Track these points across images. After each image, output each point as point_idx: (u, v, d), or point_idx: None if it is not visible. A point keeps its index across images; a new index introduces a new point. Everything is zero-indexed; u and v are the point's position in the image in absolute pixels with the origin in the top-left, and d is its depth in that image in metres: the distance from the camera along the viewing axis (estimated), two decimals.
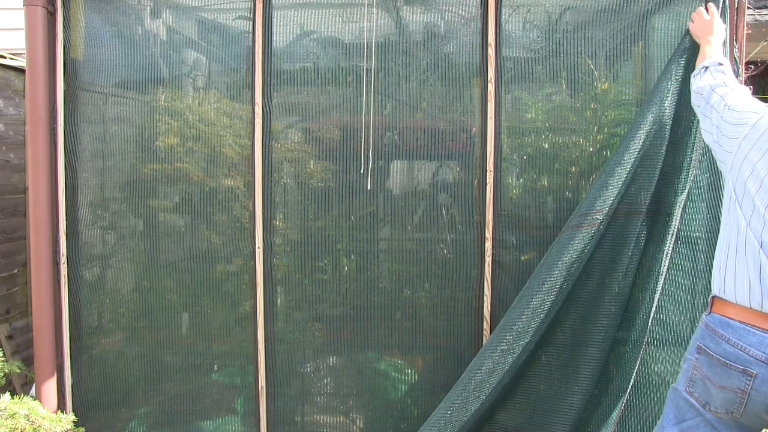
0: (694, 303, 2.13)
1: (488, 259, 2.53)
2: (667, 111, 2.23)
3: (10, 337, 3.32)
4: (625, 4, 2.46)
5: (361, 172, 2.54)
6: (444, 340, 2.63)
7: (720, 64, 1.96)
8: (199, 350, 2.73)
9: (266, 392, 2.66)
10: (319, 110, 2.65)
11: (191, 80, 2.75)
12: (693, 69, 2.11)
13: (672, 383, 1.77)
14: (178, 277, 2.71)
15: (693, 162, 2.27)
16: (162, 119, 2.66)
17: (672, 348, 2.19)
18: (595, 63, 2.50)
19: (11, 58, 3.63)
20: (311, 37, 2.63)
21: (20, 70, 3.53)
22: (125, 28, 2.69)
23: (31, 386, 2.84)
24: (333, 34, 2.62)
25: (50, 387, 2.61)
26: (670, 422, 1.70)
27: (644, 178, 2.29)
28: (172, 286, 2.72)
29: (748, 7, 2.62)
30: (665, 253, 2.28)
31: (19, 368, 2.82)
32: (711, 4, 2.22)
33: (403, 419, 2.67)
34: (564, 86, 2.53)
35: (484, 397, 2.24)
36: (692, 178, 2.26)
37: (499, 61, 2.50)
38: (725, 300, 1.60)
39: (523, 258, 2.54)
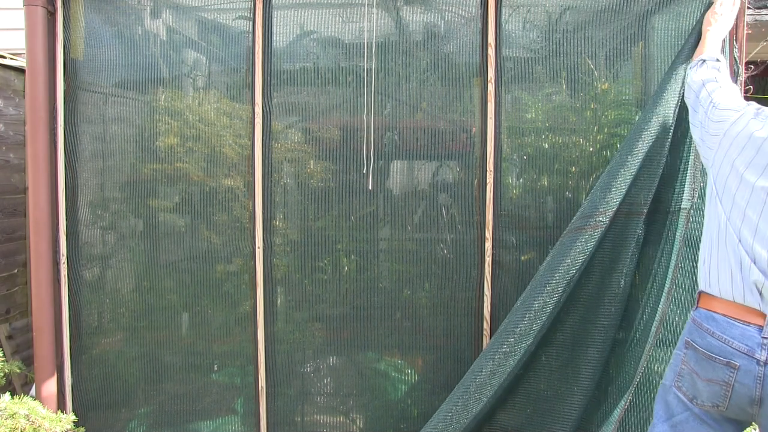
0: (694, 303, 2.12)
1: (488, 259, 2.53)
2: (671, 112, 2.23)
3: (10, 337, 3.32)
4: (625, 4, 2.46)
5: (363, 172, 2.54)
6: (444, 340, 2.63)
7: (717, 60, 1.96)
8: (199, 350, 2.73)
9: (266, 392, 2.66)
10: (319, 110, 2.65)
11: (191, 80, 2.75)
12: None
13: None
14: (178, 277, 2.71)
15: (692, 163, 2.27)
16: (162, 119, 2.66)
17: (672, 348, 2.19)
18: (595, 63, 2.50)
19: (11, 58, 3.63)
20: (311, 37, 2.63)
21: (20, 70, 3.53)
22: (125, 28, 2.69)
23: (31, 386, 2.84)
24: (333, 34, 2.62)
25: (50, 387, 2.61)
26: (661, 419, 1.73)
27: (645, 179, 2.28)
28: (172, 286, 2.72)
29: (748, 7, 2.62)
30: (666, 254, 2.28)
31: (19, 368, 2.82)
32: None
33: (403, 419, 2.67)
34: (564, 86, 2.53)
35: (485, 399, 2.23)
36: (691, 179, 2.26)
37: (499, 61, 2.50)
38: (710, 294, 1.64)
39: (523, 258, 2.54)
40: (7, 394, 2.25)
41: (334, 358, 2.74)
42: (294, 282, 2.66)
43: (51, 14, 2.57)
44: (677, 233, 2.27)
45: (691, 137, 2.28)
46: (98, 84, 2.69)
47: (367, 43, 2.51)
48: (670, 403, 1.71)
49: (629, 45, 2.49)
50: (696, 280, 2.13)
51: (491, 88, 2.49)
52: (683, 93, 2.19)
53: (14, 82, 3.57)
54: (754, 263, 1.53)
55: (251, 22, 2.57)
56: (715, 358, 1.57)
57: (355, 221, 2.62)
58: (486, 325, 2.54)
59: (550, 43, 2.52)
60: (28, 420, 2.18)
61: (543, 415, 2.45)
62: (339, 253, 2.64)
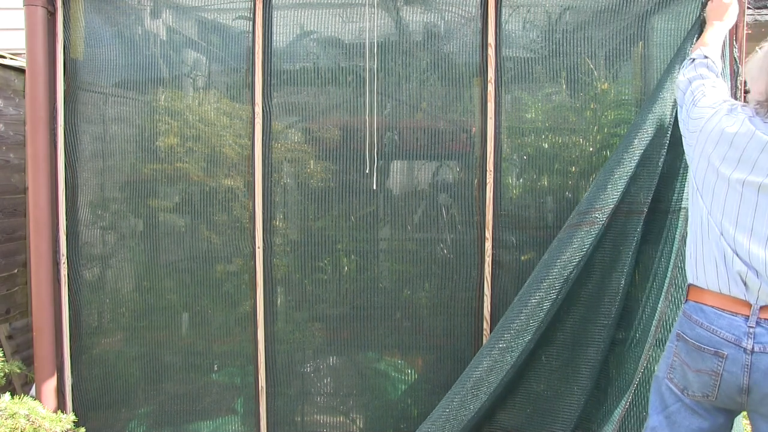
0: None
1: (488, 259, 2.53)
2: (668, 111, 2.24)
3: (10, 337, 3.32)
4: (625, 4, 2.46)
5: (366, 172, 2.54)
6: (444, 340, 2.63)
7: (705, 57, 1.96)
8: (199, 350, 2.73)
9: (266, 392, 2.66)
10: (319, 110, 2.65)
11: (191, 80, 2.75)
12: None
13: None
14: (178, 277, 2.71)
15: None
16: (162, 119, 2.66)
17: None
18: (595, 63, 2.50)
19: (11, 58, 3.63)
20: (311, 37, 2.63)
21: (20, 70, 3.53)
22: (125, 28, 2.69)
23: (31, 386, 2.84)
24: (333, 34, 2.62)
25: (50, 387, 2.61)
26: (656, 410, 1.78)
27: (645, 178, 2.29)
28: (172, 286, 2.72)
29: (748, 7, 2.62)
30: (666, 253, 2.28)
31: (19, 368, 2.82)
32: None
33: (403, 419, 2.67)
34: (564, 86, 2.53)
35: (483, 396, 2.24)
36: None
37: (499, 61, 2.50)
38: (698, 287, 1.69)
39: (523, 258, 2.54)
40: (7, 394, 2.25)
41: (334, 358, 2.74)
42: (294, 282, 2.66)
43: (51, 14, 2.57)
44: (677, 233, 2.27)
45: None
46: (98, 84, 2.69)
47: (369, 43, 2.51)
48: (663, 395, 1.76)
49: (629, 45, 2.49)
50: None
51: (491, 88, 2.49)
52: None
53: (14, 82, 3.57)
54: (737, 254, 1.59)
55: (251, 22, 2.57)
56: (704, 348, 1.61)
57: (355, 221, 2.62)
58: (486, 325, 2.54)
59: (550, 43, 2.52)
60: (28, 420, 2.18)
61: (543, 414, 2.45)
62: (339, 253, 2.64)
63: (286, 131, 2.67)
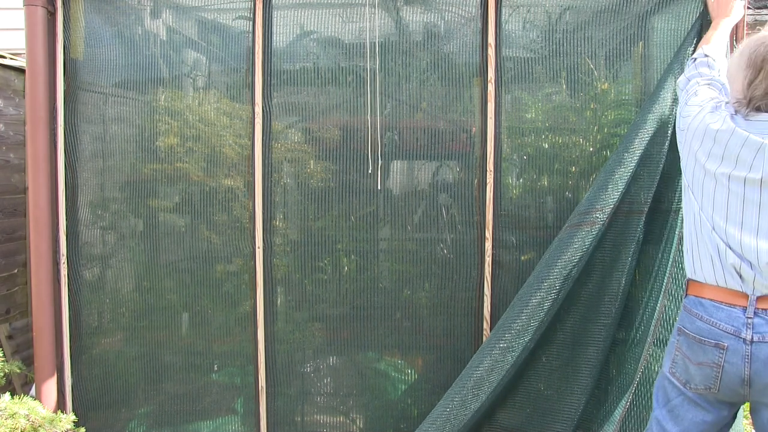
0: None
1: (488, 259, 2.53)
2: (668, 110, 2.24)
3: (10, 337, 3.32)
4: (625, 4, 2.46)
5: (369, 172, 2.54)
6: (444, 340, 2.63)
7: (706, 56, 1.98)
8: (199, 350, 2.73)
9: (266, 392, 2.66)
10: (319, 110, 2.65)
11: (191, 80, 2.75)
12: None
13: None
14: (178, 277, 2.71)
15: None
16: (162, 119, 2.66)
17: None
18: (595, 63, 2.50)
19: (11, 58, 3.63)
20: (311, 37, 2.63)
21: (20, 70, 3.53)
22: (125, 28, 2.69)
23: (31, 386, 2.84)
24: (333, 34, 2.62)
25: (50, 387, 2.61)
26: (660, 404, 1.80)
27: (645, 178, 2.29)
28: (172, 286, 2.72)
29: (748, 7, 2.62)
30: (666, 252, 2.28)
31: (19, 368, 2.82)
32: None
33: (403, 419, 2.67)
34: (564, 86, 2.53)
35: (483, 395, 2.24)
36: None
37: (499, 61, 2.49)
38: (697, 281, 1.72)
39: (523, 258, 2.54)
40: (7, 394, 2.25)
41: (334, 358, 2.74)
42: (294, 282, 2.66)
43: (51, 14, 2.57)
44: (676, 231, 2.27)
45: None
46: (98, 84, 2.69)
47: (369, 43, 2.51)
48: (666, 389, 1.78)
49: (629, 45, 2.49)
50: None
51: (491, 88, 2.49)
52: None
53: (14, 82, 3.57)
54: (729, 247, 1.62)
55: (251, 22, 2.57)
56: (705, 340, 1.64)
57: (355, 221, 2.62)
58: (486, 325, 2.54)
59: (550, 43, 2.52)
60: (28, 420, 2.18)
61: (543, 414, 2.45)
62: (339, 253, 2.64)
63: (286, 131, 2.67)
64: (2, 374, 2.63)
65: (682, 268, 2.19)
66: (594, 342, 2.37)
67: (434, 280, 2.61)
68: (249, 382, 2.69)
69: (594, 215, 2.20)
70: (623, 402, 2.29)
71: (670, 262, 2.26)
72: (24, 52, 2.57)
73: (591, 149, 2.54)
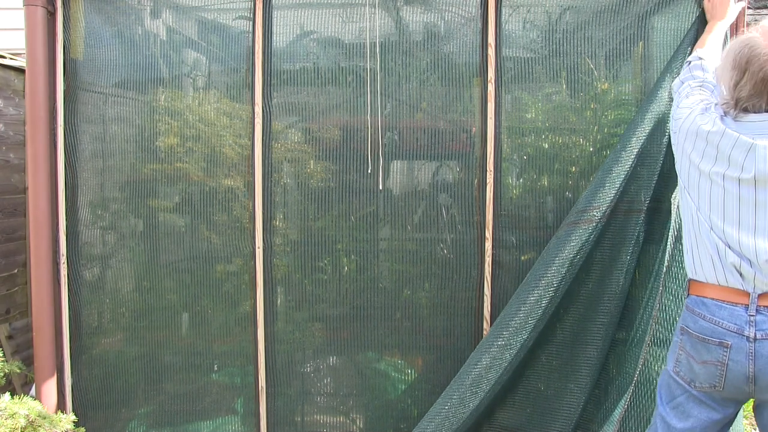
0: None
1: (488, 259, 2.53)
2: (666, 109, 2.24)
3: (10, 337, 3.32)
4: (625, 4, 2.46)
5: (369, 172, 2.54)
6: (444, 340, 2.63)
7: (700, 59, 2.00)
8: (199, 350, 2.73)
9: (266, 392, 2.66)
10: (319, 110, 2.65)
11: (191, 80, 2.75)
12: None
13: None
14: (178, 277, 2.71)
15: None
16: (162, 119, 2.66)
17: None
18: (595, 63, 2.50)
19: (11, 58, 3.63)
20: (311, 37, 2.63)
21: (20, 70, 3.53)
22: (125, 28, 2.69)
23: (31, 386, 2.84)
24: (333, 34, 2.62)
25: (50, 387, 2.61)
26: (664, 402, 1.82)
27: (644, 177, 2.29)
28: (172, 286, 2.72)
29: (748, 7, 2.62)
30: (666, 251, 2.28)
31: (19, 368, 2.82)
32: None
33: (403, 419, 2.67)
34: (564, 86, 2.53)
35: (482, 393, 2.24)
36: None
37: (499, 61, 2.49)
38: (698, 281, 1.74)
39: (523, 258, 2.54)
40: (7, 394, 2.25)
41: (334, 358, 2.74)
42: (294, 282, 2.66)
43: (51, 14, 2.57)
44: (676, 231, 2.27)
45: None
46: (98, 84, 2.69)
47: (369, 43, 2.51)
48: (671, 387, 1.80)
49: (629, 45, 2.49)
50: None
51: (491, 88, 2.49)
52: None
53: (14, 82, 3.57)
54: (728, 246, 1.64)
55: (251, 22, 2.57)
56: (708, 339, 1.65)
57: (355, 221, 2.62)
58: (486, 325, 2.54)
59: (550, 43, 2.52)
60: (28, 420, 2.18)
61: (543, 414, 2.45)
62: (339, 253, 2.64)
63: (286, 131, 2.67)
64: (2, 374, 2.63)
65: (683, 267, 2.19)
66: (593, 341, 2.37)
67: (434, 280, 2.61)
68: (249, 382, 2.69)
69: (591, 213, 2.21)
70: (622, 401, 2.29)
71: (670, 261, 2.26)
72: (24, 52, 2.57)
73: (591, 149, 2.54)
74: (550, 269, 2.22)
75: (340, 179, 2.60)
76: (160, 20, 2.71)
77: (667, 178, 2.31)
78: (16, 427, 2.13)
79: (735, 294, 1.64)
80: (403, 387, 2.71)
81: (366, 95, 2.54)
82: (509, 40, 2.53)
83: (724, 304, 1.64)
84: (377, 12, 2.53)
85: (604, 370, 2.42)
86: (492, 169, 2.51)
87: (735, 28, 2.27)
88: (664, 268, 2.24)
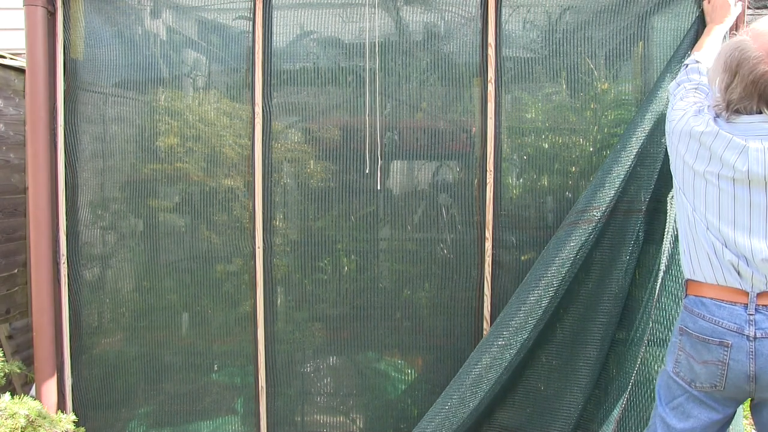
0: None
1: (488, 259, 2.53)
2: (666, 109, 2.24)
3: (10, 337, 3.32)
4: (625, 5, 2.46)
5: (366, 172, 2.54)
6: (444, 340, 2.63)
7: (697, 62, 2.01)
8: (199, 350, 2.73)
9: (266, 392, 2.66)
10: (319, 110, 2.65)
11: (191, 80, 2.75)
12: None
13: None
14: (178, 277, 2.71)
15: None
16: (162, 119, 2.66)
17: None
18: (595, 63, 2.50)
19: (11, 58, 3.63)
20: (311, 37, 2.63)
21: (20, 70, 3.53)
22: (125, 28, 2.69)
23: (31, 386, 2.84)
24: (333, 34, 2.62)
25: (50, 387, 2.61)
26: (663, 402, 1.82)
27: (644, 177, 2.29)
28: (172, 286, 2.72)
29: (748, 7, 2.62)
30: (666, 251, 2.28)
31: (19, 368, 2.82)
32: None
33: (403, 419, 2.67)
34: (564, 86, 2.53)
35: (482, 393, 2.24)
36: None
37: (499, 61, 2.50)
38: (696, 281, 1.74)
39: (523, 258, 2.54)
40: (7, 394, 2.25)
41: (334, 358, 2.74)
42: (294, 282, 2.66)
43: (51, 14, 2.57)
44: (676, 230, 2.27)
45: None
46: (98, 84, 2.69)
47: (369, 43, 2.51)
48: (671, 387, 1.79)
49: (629, 45, 2.49)
50: None
51: (491, 88, 2.49)
52: None
53: (14, 82, 3.57)
54: (725, 246, 1.65)
55: (251, 22, 2.57)
56: (709, 339, 1.66)
57: (355, 221, 2.62)
58: (486, 325, 2.54)
59: (550, 43, 2.52)
60: (28, 420, 2.18)
61: (543, 413, 2.45)
62: (339, 253, 2.64)
63: (286, 131, 2.67)
64: (2, 374, 2.63)
65: (680, 268, 2.19)
66: (593, 341, 2.37)
67: (434, 280, 2.61)
68: (249, 382, 2.69)
69: (591, 213, 2.21)
70: (620, 401, 2.29)
71: (669, 261, 2.26)
72: (24, 52, 2.57)
73: (591, 149, 2.54)
74: (549, 269, 2.22)
75: (340, 179, 2.60)
76: (160, 20, 2.71)
77: (667, 178, 2.31)
78: (16, 427, 2.13)
79: (734, 293, 1.64)
80: (403, 387, 2.71)
81: (366, 95, 2.54)
82: (509, 40, 2.53)
83: (723, 304, 1.65)
84: (377, 12, 2.53)
85: (605, 370, 2.42)
86: (492, 169, 2.51)
87: (736, 29, 2.27)
88: (664, 268, 2.24)
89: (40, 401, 2.50)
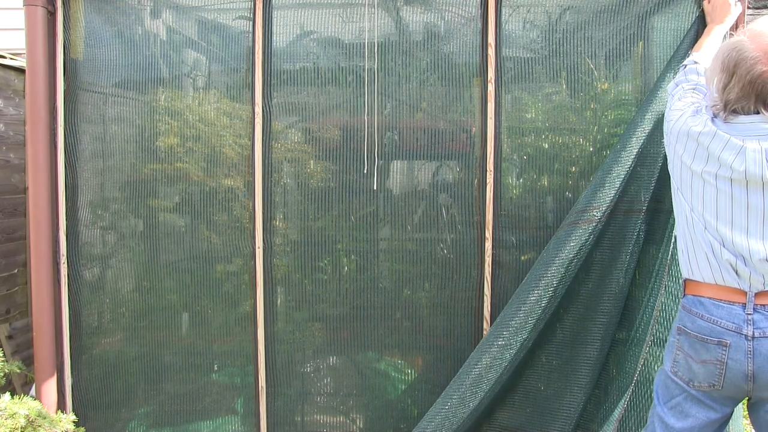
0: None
1: (488, 259, 2.53)
2: (665, 110, 2.24)
3: (10, 337, 3.32)
4: (625, 4, 2.46)
5: (364, 172, 2.54)
6: (444, 340, 2.63)
7: (695, 63, 2.02)
8: (199, 350, 2.73)
9: (266, 392, 2.66)
10: (319, 110, 2.65)
11: (191, 80, 2.75)
12: None
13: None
14: (178, 277, 2.71)
15: None
16: (162, 119, 2.66)
17: None
18: (595, 63, 2.50)
19: (11, 58, 3.63)
20: (311, 37, 2.63)
21: (20, 70, 3.53)
22: (125, 28, 2.69)
23: (31, 386, 2.84)
24: (333, 34, 2.62)
25: (50, 387, 2.61)
26: (661, 402, 1.82)
27: (644, 177, 2.29)
28: (172, 286, 2.72)
29: (748, 7, 2.62)
30: (666, 251, 2.28)
31: (19, 368, 2.82)
32: None
33: (403, 419, 2.67)
34: (564, 86, 2.53)
35: (482, 393, 2.24)
36: None
37: (499, 61, 2.50)
38: (694, 281, 1.74)
39: (523, 258, 2.54)
40: (7, 394, 2.25)
41: (334, 358, 2.74)
42: (294, 282, 2.66)
43: (51, 14, 2.57)
44: (673, 230, 2.27)
45: None
46: (98, 84, 2.69)
47: (369, 43, 2.51)
48: (669, 387, 1.80)
49: (629, 45, 2.49)
50: None
51: (491, 88, 2.49)
52: None
53: (14, 82, 3.57)
54: (723, 245, 1.65)
55: (251, 22, 2.57)
56: (707, 339, 1.66)
57: (355, 221, 2.62)
58: (486, 325, 2.54)
59: (550, 43, 2.52)
60: (28, 420, 2.18)
61: (543, 413, 2.45)
62: (339, 253, 2.64)
63: (286, 131, 2.67)
64: (2, 374, 2.63)
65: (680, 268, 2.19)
66: (593, 341, 2.37)
67: (434, 280, 2.61)
68: (249, 382, 2.69)
69: (591, 213, 2.21)
70: (621, 402, 2.29)
71: (669, 261, 2.26)
72: (24, 52, 2.57)
73: (591, 149, 2.54)
74: (549, 269, 2.22)
75: (340, 179, 2.60)
76: (160, 20, 2.71)
77: (667, 178, 2.31)
78: (16, 426, 2.13)
79: (732, 293, 1.65)
80: (403, 387, 2.71)
81: (366, 95, 2.54)
82: (509, 40, 2.53)
83: (721, 303, 1.65)
84: (377, 12, 2.53)
85: (605, 370, 2.42)
86: (492, 169, 2.51)
87: (735, 29, 2.27)
88: (665, 268, 2.24)
89: (40, 401, 2.50)
